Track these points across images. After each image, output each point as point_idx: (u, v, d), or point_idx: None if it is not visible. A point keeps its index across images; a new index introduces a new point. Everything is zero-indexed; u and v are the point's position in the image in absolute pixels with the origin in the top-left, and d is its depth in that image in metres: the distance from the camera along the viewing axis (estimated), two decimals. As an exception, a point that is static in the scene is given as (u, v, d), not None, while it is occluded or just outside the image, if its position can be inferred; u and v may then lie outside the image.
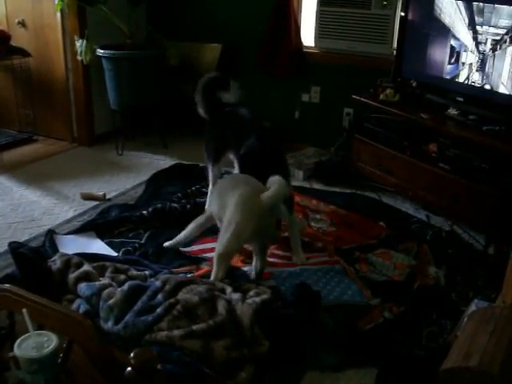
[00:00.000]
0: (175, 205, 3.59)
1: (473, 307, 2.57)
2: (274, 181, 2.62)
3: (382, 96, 4.00)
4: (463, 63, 3.57)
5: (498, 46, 3.33)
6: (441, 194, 3.53)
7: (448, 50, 3.65)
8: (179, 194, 3.80)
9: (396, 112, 3.82)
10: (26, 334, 1.36)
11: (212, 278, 2.69)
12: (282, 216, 3.07)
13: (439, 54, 3.74)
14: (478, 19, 3.40)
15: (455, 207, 3.45)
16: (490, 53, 3.38)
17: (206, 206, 3.45)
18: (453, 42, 3.61)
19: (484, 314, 2.22)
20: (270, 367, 2.25)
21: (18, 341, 1.34)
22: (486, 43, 3.40)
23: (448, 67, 3.69)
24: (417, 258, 3.14)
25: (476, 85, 3.52)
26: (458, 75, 3.63)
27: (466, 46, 3.53)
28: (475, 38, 3.45)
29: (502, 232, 3.20)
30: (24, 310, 1.40)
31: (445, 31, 3.65)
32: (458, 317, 2.55)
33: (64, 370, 1.42)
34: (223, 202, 2.76)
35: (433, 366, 2.13)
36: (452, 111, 3.67)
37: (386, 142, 3.89)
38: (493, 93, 3.42)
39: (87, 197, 3.86)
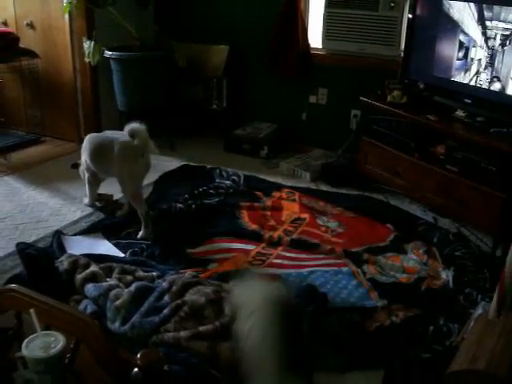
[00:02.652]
0: (181, 205, 3.60)
1: (480, 310, 2.57)
2: (136, 129, 3.24)
3: (389, 98, 4.00)
4: (471, 63, 3.55)
5: (508, 42, 3.31)
6: (448, 196, 3.52)
7: (456, 52, 3.64)
8: (186, 196, 3.81)
9: (403, 114, 3.81)
10: (34, 335, 1.36)
11: (140, 211, 3.34)
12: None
13: (447, 55, 3.73)
14: (487, 14, 3.38)
15: (463, 209, 3.44)
16: (500, 48, 3.36)
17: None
18: (461, 44, 3.60)
19: (491, 316, 2.22)
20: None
21: (26, 341, 1.34)
22: (495, 38, 3.38)
23: (456, 69, 3.67)
24: (427, 264, 3.12)
25: (484, 87, 3.50)
26: (465, 77, 3.62)
27: (474, 45, 3.51)
28: (484, 34, 3.42)
29: (509, 234, 3.19)
30: (31, 310, 1.40)
31: (452, 33, 3.64)
32: (466, 319, 2.54)
33: (71, 371, 1.43)
34: (103, 158, 3.40)
35: (440, 368, 2.13)
36: (459, 113, 3.67)
37: (393, 144, 3.89)
38: (500, 94, 3.41)
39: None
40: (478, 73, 3.52)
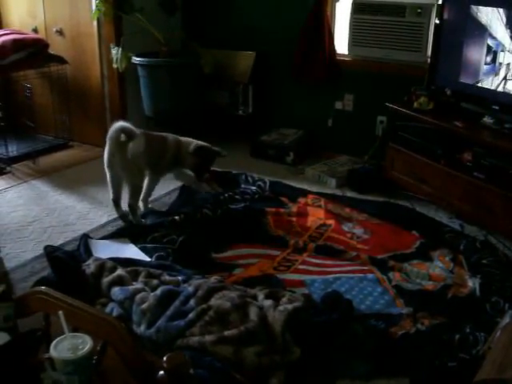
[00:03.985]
0: (206, 211, 3.60)
1: (507, 318, 2.54)
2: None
3: (415, 104, 3.97)
4: (499, 68, 3.52)
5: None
6: (475, 204, 3.49)
7: (483, 58, 3.61)
8: (212, 201, 3.82)
9: (430, 120, 3.79)
10: (62, 336, 1.38)
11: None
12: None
13: (474, 61, 3.70)
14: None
15: (490, 217, 3.41)
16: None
17: None
18: (488, 49, 3.57)
19: (519, 325, 2.19)
20: (300, 375, 2.25)
21: (54, 342, 1.36)
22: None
23: (483, 75, 3.64)
24: (453, 272, 3.09)
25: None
26: (493, 83, 3.58)
27: (502, 50, 3.48)
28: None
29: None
30: (60, 312, 1.42)
31: (480, 38, 3.61)
32: (492, 328, 2.51)
33: (98, 372, 1.44)
34: None
35: (466, 377, 2.11)
36: (487, 120, 3.63)
37: (419, 151, 3.87)
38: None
39: None
40: (506, 78, 3.49)
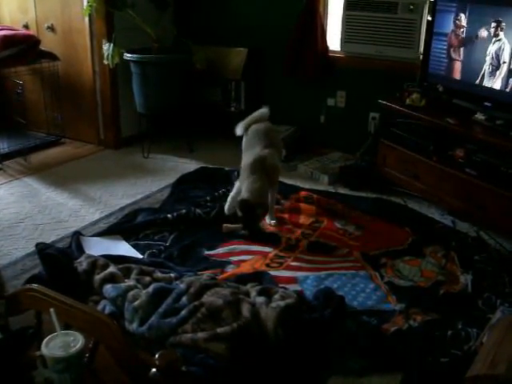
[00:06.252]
0: (199, 211, 3.58)
1: (499, 314, 2.54)
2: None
3: (408, 101, 3.98)
4: (491, 66, 3.52)
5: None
6: (467, 200, 3.49)
7: (475, 54, 3.62)
8: (208, 198, 3.81)
9: (422, 117, 3.79)
10: (53, 334, 1.37)
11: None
12: None
13: (466, 58, 3.70)
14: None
15: (482, 213, 3.42)
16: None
17: None
18: (480, 46, 3.57)
19: (511, 321, 2.20)
20: (293, 371, 2.25)
21: (46, 340, 1.35)
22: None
23: (475, 72, 3.64)
24: (445, 268, 3.10)
25: (504, 89, 3.47)
26: (485, 80, 3.58)
27: (494, 48, 3.48)
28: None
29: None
30: (51, 310, 1.41)
31: (472, 35, 3.61)
32: (484, 324, 2.52)
33: (90, 370, 1.43)
34: None
35: (458, 373, 2.11)
36: (479, 116, 3.64)
37: (412, 147, 3.87)
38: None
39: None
40: (498, 75, 3.49)
